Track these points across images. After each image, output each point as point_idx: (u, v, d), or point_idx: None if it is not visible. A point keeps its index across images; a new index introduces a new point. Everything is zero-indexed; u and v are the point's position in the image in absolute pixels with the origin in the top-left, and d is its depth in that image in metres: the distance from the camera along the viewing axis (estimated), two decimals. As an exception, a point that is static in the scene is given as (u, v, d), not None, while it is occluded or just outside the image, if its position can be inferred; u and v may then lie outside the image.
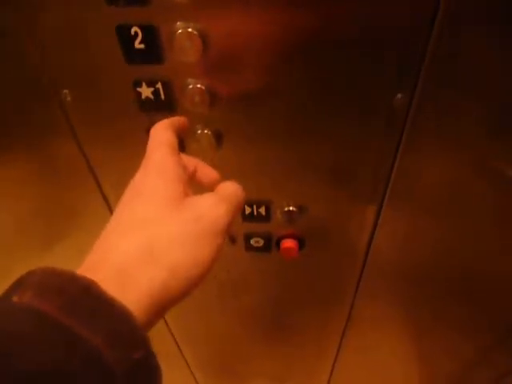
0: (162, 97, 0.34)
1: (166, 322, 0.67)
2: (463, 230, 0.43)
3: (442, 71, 0.31)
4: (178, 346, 0.73)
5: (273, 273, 0.52)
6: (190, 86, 0.33)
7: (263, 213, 0.43)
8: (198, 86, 0.33)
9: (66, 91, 0.35)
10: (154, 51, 0.31)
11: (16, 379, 0.16)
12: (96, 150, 0.40)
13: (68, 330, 0.18)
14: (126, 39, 0.31)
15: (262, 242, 0.47)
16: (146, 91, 0.34)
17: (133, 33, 0.31)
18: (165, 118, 0.36)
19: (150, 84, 0.34)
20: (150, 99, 0.34)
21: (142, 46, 0.31)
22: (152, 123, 0.36)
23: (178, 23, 0.30)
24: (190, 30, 0.30)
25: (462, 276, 0.50)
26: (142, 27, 0.30)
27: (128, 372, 0.19)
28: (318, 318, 0.63)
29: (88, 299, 0.19)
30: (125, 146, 0.39)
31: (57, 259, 0.55)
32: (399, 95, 0.33)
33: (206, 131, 0.36)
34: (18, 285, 0.20)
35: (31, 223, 0.51)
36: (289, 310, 0.62)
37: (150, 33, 0.30)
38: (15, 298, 0.19)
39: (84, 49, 0.33)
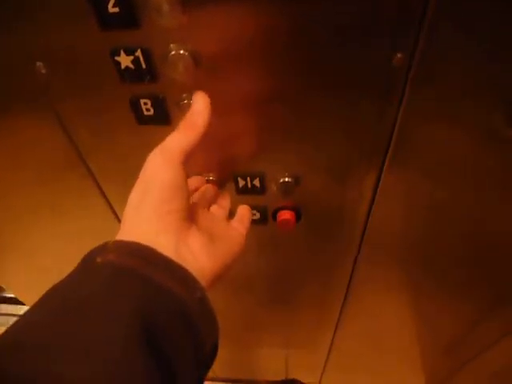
0: (143, 65, 0.32)
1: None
2: (463, 193, 0.41)
3: (444, 29, 0.28)
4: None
5: (270, 245, 0.51)
6: (173, 53, 0.31)
7: (258, 185, 0.42)
8: (181, 52, 0.31)
9: (39, 63, 0.33)
10: (129, 14, 0.29)
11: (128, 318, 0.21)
12: (77, 124, 0.38)
13: (147, 277, 0.23)
14: (99, 2, 0.28)
15: (258, 215, 0.46)
16: (125, 60, 0.32)
17: (105, -4, 0.28)
18: (148, 88, 0.34)
19: (129, 52, 0.31)
20: (131, 69, 0.32)
21: (115, 9, 0.28)
22: (134, 94, 0.34)
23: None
24: (166, -11, 0.27)
25: (463, 238, 0.49)
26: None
27: (195, 307, 0.24)
28: (319, 287, 0.63)
29: (155, 257, 0.25)
30: (108, 119, 0.37)
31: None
32: (399, 54, 0.30)
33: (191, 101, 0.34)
34: (98, 251, 0.24)
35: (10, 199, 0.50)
36: (288, 280, 0.61)
37: None
38: (99, 259, 0.24)
39: (56, 17, 0.30)
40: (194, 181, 0.40)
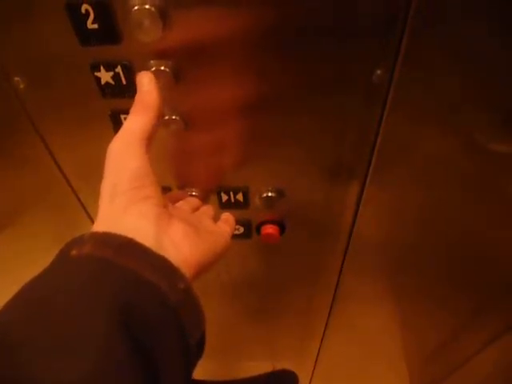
0: (124, 81, 0.31)
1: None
2: (447, 203, 0.42)
3: (422, 44, 0.29)
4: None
5: (255, 258, 0.51)
6: (153, 69, 0.30)
7: (241, 199, 0.42)
8: (162, 68, 0.30)
9: (17, 78, 0.32)
10: (108, 30, 0.29)
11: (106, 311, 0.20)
12: (58, 139, 0.37)
13: (124, 267, 0.22)
14: (77, 19, 0.28)
15: (242, 229, 0.45)
16: (105, 76, 0.31)
17: (83, 11, 0.28)
18: (129, 103, 0.33)
19: (109, 68, 0.31)
20: (111, 84, 0.32)
21: (95, 25, 0.28)
22: (115, 109, 0.34)
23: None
24: (147, 6, 0.27)
25: (447, 248, 0.49)
26: (92, 4, 0.27)
27: (179, 299, 0.23)
28: (304, 299, 0.63)
29: (133, 247, 0.23)
30: (88, 134, 0.37)
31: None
32: (378, 71, 0.31)
33: (173, 117, 0.34)
34: (73, 243, 0.23)
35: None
36: (274, 291, 0.61)
37: (102, 10, 0.27)
38: (74, 252, 0.23)
39: (34, 32, 0.30)
40: (176, 194, 0.40)
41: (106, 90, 0.32)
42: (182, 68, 0.31)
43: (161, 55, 0.30)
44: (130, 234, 0.24)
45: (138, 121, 0.27)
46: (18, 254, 0.53)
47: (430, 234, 0.47)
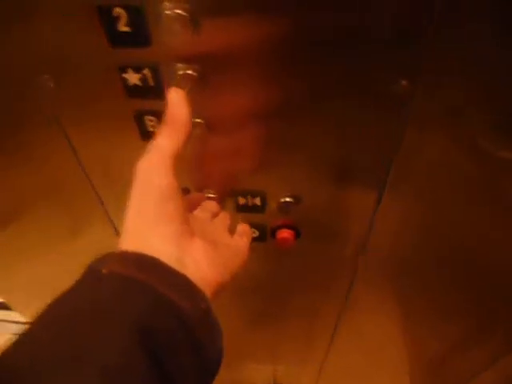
0: (151, 83, 0.32)
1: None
2: (463, 217, 0.42)
3: (444, 56, 0.29)
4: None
5: (266, 262, 0.51)
6: (180, 72, 0.31)
7: (258, 203, 0.42)
8: (189, 72, 0.31)
9: (46, 76, 0.33)
10: (140, 33, 0.29)
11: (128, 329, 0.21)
12: (83, 138, 0.38)
13: (150, 287, 0.23)
14: (109, 21, 0.28)
15: (257, 233, 0.46)
16: (132, 77, 0.32)
17: (115, 14, 0.28)
18: (154, 105, 0.34)
19: (137, 70, 0.31)
20: (138, 86, 0.32)
21: (126, 28, 0.29)
22: (140, 110, 0.35)
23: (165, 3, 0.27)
24: (178, 11, 0.27)
25: (456, 262, 0.49)
26: (125, 7, 0.28)
27: (199, 319, 0.24)
28: (312, 305, 0.63)
29: (159, 267, 0.25)
30: (112, 133, 0.37)
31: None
32: (403, 82, 0.31)
33: (197, 120, 0.34)
34: (103, 261, 0.24)
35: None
36: (281, 297, 0.61)
37: (134, 14, 0.28)
38: (104, 270, 0.24)
39: (65, 31, 0.30)
40: (194, 197, 0.40)
41: (132, 91, 0.33)
42: (207, 72, 0.31)
43: (188, 59, 0.31)
44: (156, 254, 0.25)
45: (167, 139, 0.28)
46: (33, 244, 0.54)
47: (445, 247, 0.47)
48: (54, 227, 0.51)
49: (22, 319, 1.23)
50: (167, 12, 0.27)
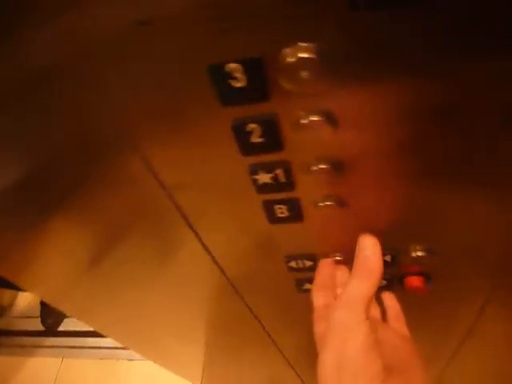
0: (283, 180, 0.31)
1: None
2: None
3: None
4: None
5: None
6: (314, 168, 0.30)
7: (389, 260, 0.40)
8: (322, 166, 0.30)
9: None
10: (273, 143, 0.28)
11: None
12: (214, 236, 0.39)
13: None
14: (243, 136, 0.28)
15: (384, 283, 0.44)
16: (263, 177, 0.31)
17: (249, 129, 0.28)
18: (284, 197, 0.33)
19: (269, 171, 0.31)
20: (269, 183, 0.32)
21: (260, 139, 0.28)
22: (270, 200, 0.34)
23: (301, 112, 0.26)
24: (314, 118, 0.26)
25: None
26: (259, 123, 0.27)
27: None
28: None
29: None
30: (238, 220, 0.38)
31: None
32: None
33: (327, 202, 0.33)
34: None
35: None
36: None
37: (268, 128, 0.27)
38: None
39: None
40: (329, 269, 0.39)
41: (264, 188, 0.32)
42: (344, 163, 0.30)
43: (321, 157, 0.30)
44: None
45: (362, 287, 0.28)
46: (126, 277, 0.56)
47: None
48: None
49: (115, 345, 1.33)
50: (303, 121, 0.26)
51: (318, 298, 0.38)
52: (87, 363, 1.41)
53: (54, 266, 0.52)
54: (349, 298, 0.28)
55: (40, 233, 0.44)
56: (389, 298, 0.39)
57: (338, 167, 0.30)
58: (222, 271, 0.48)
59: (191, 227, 0.40)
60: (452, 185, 0.32)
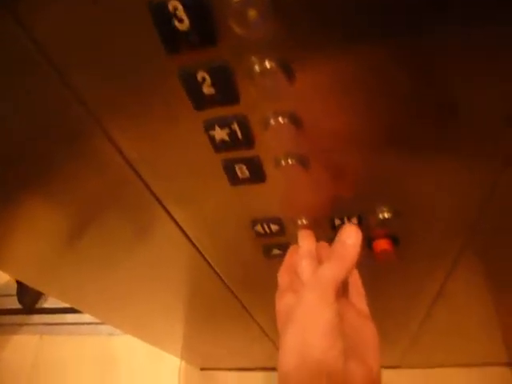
0: (240, 136, 0.30)
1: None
2: None
3: None
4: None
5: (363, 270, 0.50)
6: (272, 122, 0.28)
7: (355, 222, 0.39)
8: (280, 119, 0.28)
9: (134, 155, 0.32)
10: (226, 94, 0.26)
11: None
12: (164, 185, 0.37)
13: None
14: (193, 85, 0.26)
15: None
16: (220, 134, 0.30)
17: (200, 79, 0.26)
18: (243, 155, 0.32)
19: (224, 125, 0.29)
20: (226, 140, 0.30)
21: (211, 90, 0.26)
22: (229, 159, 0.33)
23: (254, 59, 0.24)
24: (268, 66, 0.24)
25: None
26: (209, 71, 0.25)
27: None
28: (402, 304, 0.62)
29: None
30: (199, 181, 0.36)
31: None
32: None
33: (288, 160, 0.32)
34: None
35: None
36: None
37: (220, 75, 0.25)
38: None
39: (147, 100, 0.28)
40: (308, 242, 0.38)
41: (220, 145, 0.30)
42: (301, 117, 0.28)
43: (281, 106, 0.28)
44: None
45: (335, 272, 0.28)
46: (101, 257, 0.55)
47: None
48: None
49: (94, 320, 1.32)
50: (258, 70, 0.25)
51: (283, 277, 0.38)
52: (67, 340, 1.40)
53: (28, 247, 0.50)
54: (320, 280, 0.28)
55: (12, 214, 0.42)
56: (352, 273, 0.38)
57: (297, 121, 0.28)
58: (193, 243, 0.47)
59: (159, 200, 0.38)
60: (415, 145, 0.31)
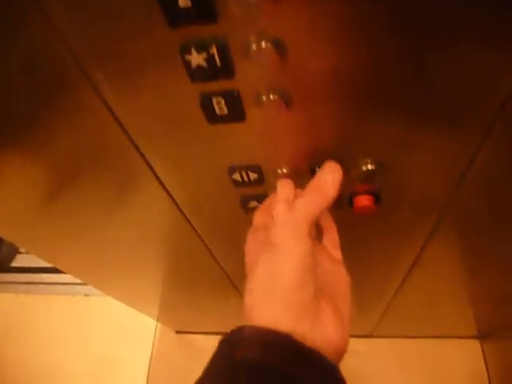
0: (218, 63, 0.27)
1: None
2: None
3: None
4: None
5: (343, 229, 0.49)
6: (253, 46, 0.26)
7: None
8: (263, 44, 0.26)
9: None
10: (204, 8, 0.24)
11: None
12: (140, 126, 0.35)
13: (289, 375, 0.21)
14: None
15: (333, 201, 0.42)
16: (196, 58, 0.27)
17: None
18: (222, 87, 0.30)
19: (202, 49, 0.26)
20: (203, 67, 0.28)
21: (187, 3, 0.24)
22: (206, 92, 0.30)
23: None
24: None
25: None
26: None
27: None
28: (380, 268, 0.62)
29: (298, 352, 0.22)
30: (175, 119, 0.34)
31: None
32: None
33: (270, 96, 0.30)
34: (236, 343, 0.23)
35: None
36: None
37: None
38: (238, 355, 0.22)
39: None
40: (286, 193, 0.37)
41: (197, 73, 0.28)
42: (286, 43, 0.26)
43: (263, 30, 0.25)
44: (290, 333, 0.23)
45: (312, 206, 0.27)
46: (84, 214, 0.53)
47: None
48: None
49: (71, 280, 1.31)
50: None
51: (258, 218, 0.36)
52: (42, 299, 1.39)
53: (9, 203, 0.48)
54: (294, 215, 0.26)
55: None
56: (327, 219, 0.37)
57: (281, 49, 0.26)
58: (171, 196, 0.45)
59: (133, 142, 0.36)
60: (401, 96, 0.30)
